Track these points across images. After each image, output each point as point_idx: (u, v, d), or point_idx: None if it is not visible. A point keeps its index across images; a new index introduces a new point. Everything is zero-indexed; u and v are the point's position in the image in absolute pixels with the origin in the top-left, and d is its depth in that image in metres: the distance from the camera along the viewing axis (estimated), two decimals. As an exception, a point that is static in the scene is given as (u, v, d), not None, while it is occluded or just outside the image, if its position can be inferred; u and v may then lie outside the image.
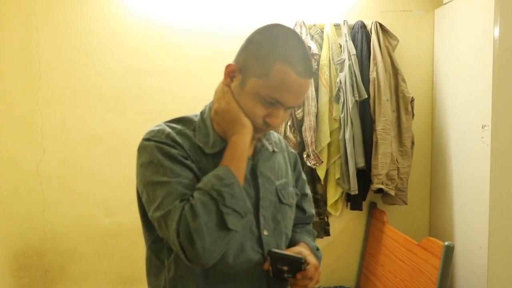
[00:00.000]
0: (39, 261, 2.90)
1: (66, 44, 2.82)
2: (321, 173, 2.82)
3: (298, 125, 2.78)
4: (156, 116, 2.87)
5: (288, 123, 2.76)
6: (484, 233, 2.45)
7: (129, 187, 2.86)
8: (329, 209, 2.91)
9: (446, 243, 2.13)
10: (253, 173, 1.26)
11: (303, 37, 2.76)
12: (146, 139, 1.19)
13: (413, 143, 2.90)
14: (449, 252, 2.13)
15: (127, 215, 2.89)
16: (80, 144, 2.86)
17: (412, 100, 2.85)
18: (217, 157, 1.18)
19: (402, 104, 2.85)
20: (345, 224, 3.09)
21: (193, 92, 2.88)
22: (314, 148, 2.74)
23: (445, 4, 2.89)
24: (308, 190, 1.53)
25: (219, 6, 2.88)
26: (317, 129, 2.79)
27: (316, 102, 2.79)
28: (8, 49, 2.79)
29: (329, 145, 2.84)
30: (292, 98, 1.15)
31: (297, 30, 2.78)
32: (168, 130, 1.19)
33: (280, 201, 1.31)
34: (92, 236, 2.91)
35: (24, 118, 2.82)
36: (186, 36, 2.87)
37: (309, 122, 2.74)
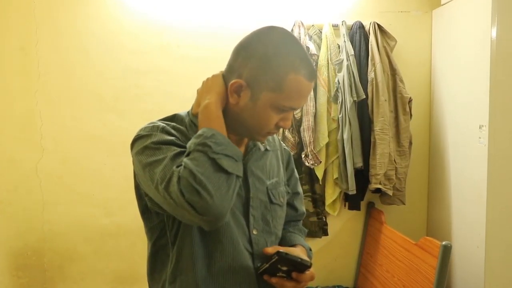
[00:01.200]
0: (38, 261, 2.90)
1: (65, 44, 2.83)
2: (319, 173, 2.83)
3: (296, 125, 2.79)
4: (155, 116, 2.84)
5: (287, 123, 2.76)
6: (481, 233, 2.46)
7: (128, 187, 2.86)
8: (327, 209, 2.92)
9: (443, 243, 2.14)
10: (244, 173, 1.22)
11: (302, 37, 2.77)
12: (140, 134, 1.21)
13: (411, 143, 2.91)
14: (446, 251, 2.13)
15: (126, 215, 2.90)
16: (79, 144, 2.87)
17: (410, 101, 2.86)
18: None
19: (400, 104, 2.86)
20: (343, 224, 3.10)
21: (193, 92, 2.85)
22: (312, 148, 2.75)
23: (443, 4, 2.90)
24: (300, 189, 1.54)
25: (219, 6, 2.89)
26: (315, 129, 2.80)
27: (314, 102, 2.79)
28: (7, 49, 2.80)
29: (327, 145, 2.85)
30: (304, 101, 1.20)
31: (296, 30, 2.79)
32: (163, 124, 1.21)
33: (271, 201, 1.31)
34: (91, 236, 2.92)
35: (23, 118, 2.83)
36: (185, 36, 2.88)
37: (307, 122, 2.75)
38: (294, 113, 2.74)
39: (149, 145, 1.14)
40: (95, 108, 2.86)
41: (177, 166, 1.07)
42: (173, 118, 1.32)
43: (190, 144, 1.09)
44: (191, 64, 2.89)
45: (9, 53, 2.80)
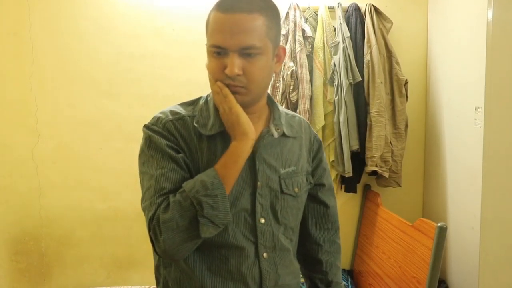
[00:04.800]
0: (36, 246, 2.91)
1: (59, 28, 2.80)
2: (315, 156, 2.83)
3: (292, 108, 2.78)
4: (150, 100, 2.87)
5: (283, 106, 2.76)
6: (476, 214, 2.47)
7: (124, 171, 2.89)
8: (323, 191, 2.92)
9: (439, 224, 2.15)
10: (253, 159, 1.22)
11: (297, 19, 2.75)
12: (145, 126, 1.22)
13: (407, 125, 2.91)
14: (442, 233, 2.15)
15: (122, 200, 2.90)
16: (74, 128, 2.86)
17: (406, 83, 2.85)
18: (212, 139, 1.19)
19: (396, 86, 2.85)
20: (339, 206, 3.06)
21: (187, 76, 2.87)
22: (308, 131, 2.74)
23: (439, -14, 2.88)
24: (327, 180, 1.46)
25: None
26: (311, 112, 2.79)
27: (310, 85, 2.79)
28: (0, 34, 2.77)
29: (323, 127, 2.85)
30: (229, 37, 1.10)
31: (291, 12, 2.77)
32: (169, 117, 1.21)
33: (281, 191, 1.27)
34: (87, 221, 2.92)
35: (18, 103, 2.82)
36: (180, 19, 2.86)
37: (303, 105, 2.74)
38: (290, 96, 2.73)
39: (144, 150, 1.19)
40: (90, 93, 2.85)
41: (159, 196, 1.10)
42: (193, 103, 1.30)
43: (192, 185, 1.09)
44: (186, 47, 2.87)
45: (2, 38, 2.78)
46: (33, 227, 2.89)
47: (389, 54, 2.85)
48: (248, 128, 1.14)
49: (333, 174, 2.90)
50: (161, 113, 1.23)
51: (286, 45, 2.76)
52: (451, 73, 2.76)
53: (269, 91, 2.72)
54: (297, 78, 2.74)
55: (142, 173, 1.19)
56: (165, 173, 1.13)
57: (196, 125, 1.20)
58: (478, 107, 2.44)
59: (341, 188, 3.01)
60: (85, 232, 2.93)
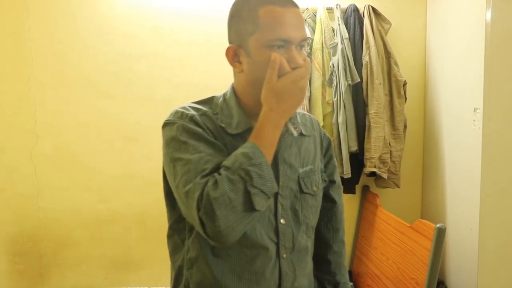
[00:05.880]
0: (34, 247, 2.90)
1: (57, 29, 2.80)
2: (314, 157, 2.83)
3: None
4: (148, 101, 2.87)
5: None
6: (475, 215, 2.47)
7: (123, 172, 2.89)
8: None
9: (438, 225, 2.15)
10: (274, 160, 1.19)
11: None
12: (169, 120, 1.18)
13: (405, 126, 2.91)
14: (440, 234, 2.15)
15: (120, 201, 2.90)
16: (73, 129, 2.86)
17: (405, 84, 2.85)
18: (240, 137, 1.17)
19: (394, 87, 2.85)
20: (338, 207, 3.10)
21: (186, 77, 2.87)
22: (307, 132, 2.74)
23: (438, -13, 2.88)
24: (337, 177, 1.47)
25: (211, -10, 2.87)
26: (310, 113, 2.79)
27: (309, 86, 2.79)
28: (-1, 35, 2.78)
29: (322, 128, 2.84)
30: (292, 30, 1.11)
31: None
32: (192, 112, 1.18)
33: (301, 190, 1.27)
34: (86, 222, 2.92)
35: (17, 104, 2.81)
36: (178, 20, 2.86)
37: (302, 106, 2.74)
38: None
39: (176, 137, 1.13)
40: (88, 93, 2.85)
41: (202, 176, 1.04)
42: (208, 101, 1.26)
43: (234, 159, 1.05)
44: (184, 48, 2.87)
45: (0, 39, 2.77)
46: (32, 228, 2.89)
47: (387, 55, 2.86)
48: (293, 113, 1.13)
49: (332, 175, 2.90)
50: (181, 108, 1.20)
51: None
52: (449, 74, 2.77)
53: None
54: (296, 79, 2.74)
55: (174, 160, 1.11)
56: (205, 156, 1.09)
57: (221, 124, 1.19)
58: (477, 108, 2.44)
59: (340, 189, 3.00)
60: (83, 233, 2.93)
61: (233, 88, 1.27)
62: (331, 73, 2.79)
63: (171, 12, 2.85)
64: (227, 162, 1.06)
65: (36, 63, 2.80)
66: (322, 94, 2.82)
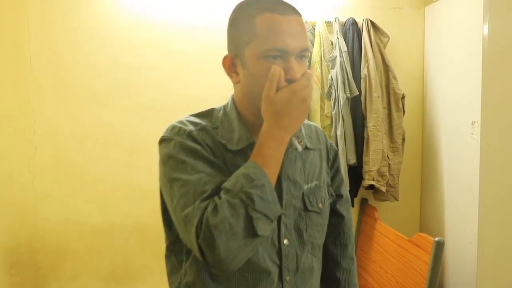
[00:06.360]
0: (31, 258, 2.89)
1: (57, 40, 2.81)
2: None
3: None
4: (147, 112, 2.87)
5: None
6: (474, 228, 2.47)
7: (121, 183, 2.88)
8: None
9: (436, 239, 2.15)
10: (278, 177, 1.11)
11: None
12: (166, 136, 1.12)
13: (404, 139, 2.91)
14: (439, 247, 2.14)
15: (119, 212, 2.89)
16: (72, 140, 2.85)
17: (403, 97, 2.86)
18: (242, 153, 1.11)
19: (393, 100, 2.86)
20: (336, 220, 3.10)
21: (184, 88, 2.88)
22: (305, 145, 2.74)
23: (436, 1, 2.91)
24: (344, 191, 1.40)
25: (211, 2, 2.88)
26: (308, 125, 2.80)
27: (308, 99, 2.79)
28: (-1, 45, 2.79)
29: (320, 141, 2.85)
30: (290, 39, 1.04)
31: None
32: (190, 128, 1.11)
33: (305, 208, 1.20)
34: (84, 233, 2.90)
35: (16, 114, 2.81)
36: (177, 32, 2.87)
37: (301, 119, 2.74)
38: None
39: (173, 155, 1.07)
40: (87, 104, 2.85)
41: (201, 201, 0.98)
42: (208, 114, 1.19)
43: (235, 180, 0.98)
44: (183, 60, 2.88)
45: (1, 49, 2.78)
46: (29, 239, 2.87)
47: (386, 68, 2.87)
48: (298, 128, 1.06)
49: (330, 188, 2.89)
50: (178, 123, 1.14)
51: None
52: (447, 88, 2.78)
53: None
54: (295, 92, 2.74)
55: (171, 180, 1.05)
56: (204, 176, 1.02)
57: (221, 140, 1.12)
58: (475, 122, 2.45)
59: (338, 202, 3.00)
60: (81, 245, 2.91)
61: (233, 100, 1.20)
62: (330, 86, 2.80)
63: (170, 24, 2.86)
64: (227, 183, 0.99)
65: (36, 73, 2.80)
66: (321, 107, 2.83)
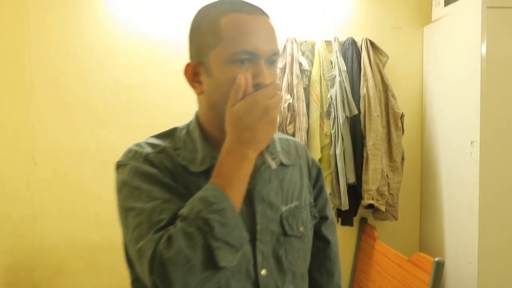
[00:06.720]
0: (28, 276, 2.86)
1: (58, 58, 2.83)
2: (312, 188, 2.82)
3: (289, 140, 2.78)
4: (147, 130, 2.84)
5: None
6: (474, 249, 2.45)
7: (120, 201, 2.86)
8: (320, 224, 2.90)
9: (436, 259, 2.13)
10: (249, 199, 1.02)
11: (294, 53, 2.79)
12: (121, 162, 1.04)
13: (403, 158, 2.91)
14: (439, 268, 2.13)
15: (117, 230, 2.83)
16: (71, 157, 2.85)
17: (402, 116, 2.87)
18: (206, 175, 0.97)
19: (392, 120, 2.87)
20: (336, 239, 3.08)
21: (184, 106, 2.85)
22: (305, 163, 2.74)
23: (434, 21, 2.93)
24: (329, 212, 1.26)
25: (211, 22, 2.90)
26: (308, 144, 2.80)
27: (307, 118, 2.80)
28: (0, 62, 2.79)
29: (320, 160, 2.84)
30: (260, 41, 0.94)
31: (288, 46, 2.80)
32: (147, 150, 1.03)
33: (285, 233, 1.08)
34: (82, 251, 2.89)
35: (16, 131, 2.82)
36: (177, 50, 2.89)
37: (300, 138, 2.75)
38: (287, 128, 2.74)
39: (128, 182, 0.98)
40: (87, 122, 2.86)
41: (156, 231, 0.87)
42: (170, 134, 1.11)
43: (191, 206, 0.87)
44: (182, 78, 2.88)
45: (2, 66, 2.80)
46: (26, 256, 2.86)
47: (385, 87, 2.88)
48: (267, 143, 0.95)
49: (329, 207, 2.88)
50: (135, 145, 1.06)
51: (283, 78, 2.78)
52: (446, 107, 2.79)
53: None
54: (294, 111, 2.76)
55: (125, 210, 0.95)
56: (160, 204, 0.92)
57: (182, 162, 1.02)
58: (474, 141, 2.45)
59: (338, 221, 2.99)
60: (79, 262, 2.89)
61: (196, 116, 1.11)
62: (329, 105, 2.81)
63: (170, 43, 2.88)
64: (184, 210, 0.88)
65: (36, 91, 2.81)
66: (320, 126, 2.83)
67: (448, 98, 2.76)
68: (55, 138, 2.84)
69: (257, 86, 0.92)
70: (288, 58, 2.79)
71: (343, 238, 3.09)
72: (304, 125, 2.77)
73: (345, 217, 2.91)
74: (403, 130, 2.89)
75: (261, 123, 0.90)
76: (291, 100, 2.74)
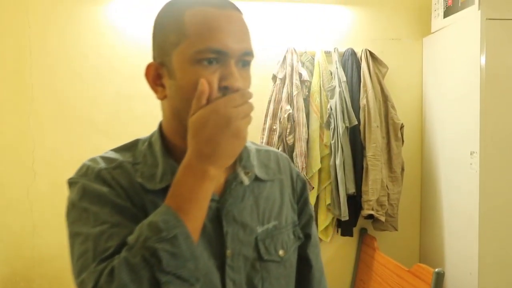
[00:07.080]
0: (27, 286, 2.85)
1: (58, 69, 2.84)
2: (311, 199, 2.83)
3: (289, 151, 2.79)
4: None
5: (279, 149, 2.76)
6: (474, 259, 2.45)
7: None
8: (319, 235, 2.90)
9: (436, 270, 2.13)
10: (218, 220, 0.91)
11: (294, 63, 2.80)
12: (72, 179, 0.93)
13: (403, 169, 2.91)
14: (439, 278, 2.13)
15: (117, 240, 2.87)
16: (71, 168, 2.81)
17: (402, 127, 2.88)
18: (161, 193, 0.87)
19: (392, 130, 2.87)
20: (335, 250, 3.08)
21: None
22: (305, 174, 2.75)
23: (433, 32, 2.94)
24: (312, 230, 1.12)
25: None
26: (308, 155, 2.80)
27: (307, 128, 2.80)
28: (1, 73, 2.80)
29: (319, 171, 2.85)
30: (229, 38, 0.82)
31: (288, 56, 2.82)
32: (101, 165, 0.92)
33: (261, 258, 0.95)
34: (81, 261, 2.88)
35: (16, 141, 2.82)
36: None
37: (300, 148, 2.75)
38: (287, 138, 2.74)
39: (76, 203, 0.87)
40: (87, 133, 2.86)
41: (100, 261, 0.77)
42: (131, 147, 1.01)
43: (139, 233, 0.76)
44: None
45: (3, 77, 2.81)
46: (25, 267, 2.85)
47: (384, 98, 2.89)
48: (233, 158, 0.82)
49: (329, 218, 2.89)
50: (89, 160, 0.95)
51: (283, 88, 2.79)
52: (446, 118, 2.79)
53: (266, 133, 2.75)
54: (294, 121, 2.76)
55: (72, 236, 0.84)
56: (108, 229, 0.80)
57: (139, 179, 0.90)
58: (474, 152, 2.45)
59: (337, 232, 2.99)
60: (77, 274, 2.88)
61: (160, 126, 1.01)
62: (329, 116, 2.81)
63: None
64: (131, 237, 0.77)
65: (37, 101, 2.82)
66: (320, 136, 2.84)
67: (448, 109, 2.77)
68: (55, 149, 2.84)
69: (225, 90, 0.82)
70: (288, 69, 2.80)
71: (343, 249, 3.09)
72: (304, 135, 2.77)
73: (345, 228, 2.90)
74: (402, 140, 2.90)
75: (224, 135, 0.77)
76: (291, 111, 2.75)
